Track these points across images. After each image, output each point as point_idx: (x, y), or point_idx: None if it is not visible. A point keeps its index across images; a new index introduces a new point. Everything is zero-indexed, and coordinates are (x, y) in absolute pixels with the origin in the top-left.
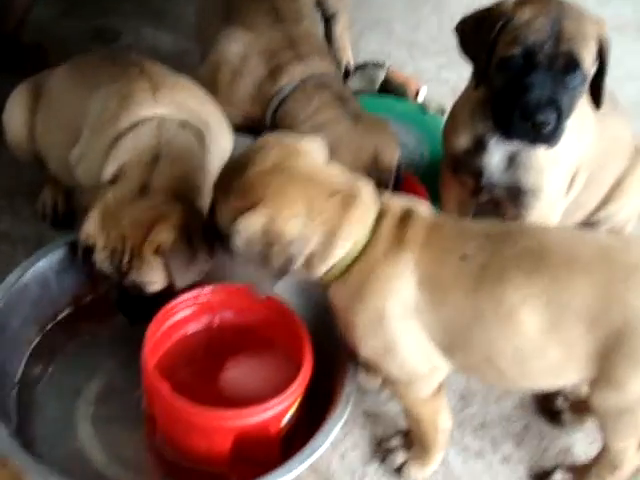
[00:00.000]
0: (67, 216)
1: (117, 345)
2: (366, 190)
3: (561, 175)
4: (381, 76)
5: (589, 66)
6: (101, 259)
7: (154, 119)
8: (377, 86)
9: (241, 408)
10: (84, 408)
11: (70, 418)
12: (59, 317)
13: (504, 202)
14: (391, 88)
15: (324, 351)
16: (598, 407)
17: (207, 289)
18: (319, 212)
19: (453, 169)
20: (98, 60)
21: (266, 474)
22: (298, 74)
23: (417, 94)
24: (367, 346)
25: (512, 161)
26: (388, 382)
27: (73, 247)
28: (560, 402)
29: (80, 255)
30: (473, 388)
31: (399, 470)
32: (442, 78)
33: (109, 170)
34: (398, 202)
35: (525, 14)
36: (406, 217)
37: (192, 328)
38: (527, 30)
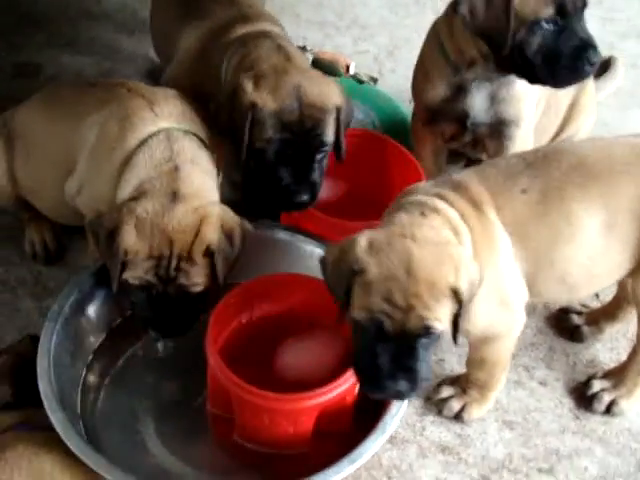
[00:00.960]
0: (58, 251)
1: (156, 362)
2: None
3: (533, 102)
4: (309, 59)
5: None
6: (145, 269)
7: (160, 132)
8: None
9: (322, 386)
10: (146, 429)
11: (134, 414)
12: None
13: (486, 139)
14: (322, 68)
15: None
16: None
17: (245, 284)
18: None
19: (429, 120)
20: (72, 89)
21: (358, 445)
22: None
23: (348, 69)
24: (483, 313)
25: (493, 98)
26: (482, 343)
27: (99, 274)
28: (576, 318)
29: (115, 275)
30: None
31: (457, 416)
32: (361, 50)
33: (126, 190)
34: (443, 189)
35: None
36: (459, 189)
37: (234, 326)
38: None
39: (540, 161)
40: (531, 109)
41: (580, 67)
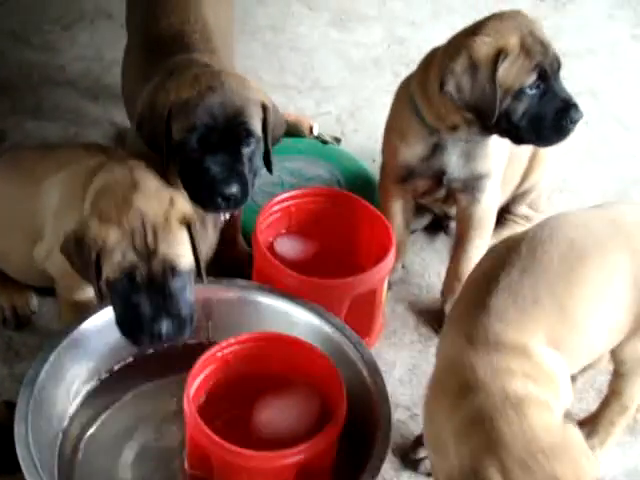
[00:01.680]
0: (28, 316)
1: (156, 409)
2: None
3: (504, 155)
4: None
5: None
6: (122, 252)
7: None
8: None
9: (303, 443)
10: (124, 470)
11: (111, 478)
12: (102, 376)
13: (458, 192)
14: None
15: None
16: (631, 355)
17: (220, 345)
18: None
19: (403, 179)
20: (32, 153)
21: None
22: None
23: (311, 130)
24: None
25: (469, 155)
26: None
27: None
28: None
29: (93, 280)
30: None
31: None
32: (323, 111)
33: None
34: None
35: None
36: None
37: (211, 385)
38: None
39: (529, 261)
40: (502, 162)
41: (564, 126)
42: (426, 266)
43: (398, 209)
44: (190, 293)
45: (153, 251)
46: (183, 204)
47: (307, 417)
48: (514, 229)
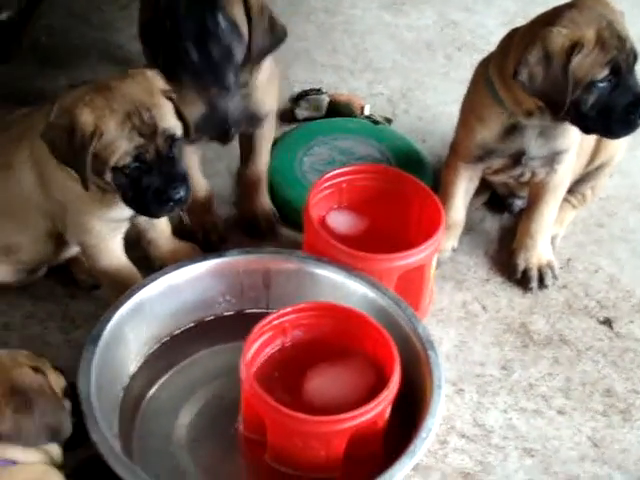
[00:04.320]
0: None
1: (214, 373)
2: None
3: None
4: (325, 100)
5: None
6: (127, 138)
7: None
8: (324, 111)
9: (355, 409)
10: (181, 430)
11: (168, 437)
12: (163, 340)
13: (535, 167)
14: (338, 110)
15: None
16: None
17: (279, 312)
18: None
19: (479, 158)
20: None
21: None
22: None
23: (362, 110)
24: None
25: (548, 134)
26: None
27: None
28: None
29: (84, 171)
30: (508, 356)
31: None
32: (376, 92)
33: None
34: None
35: None
36: None
37: (268, 353)
38: None
39: None
40: (578, 135)
41: (632, 120)
42: (475, 246)
43: (461, 190)
44: (182, 157)
45: (155, 128)
46: (157, 80)
47: (359, 387)
48: (566, 208)
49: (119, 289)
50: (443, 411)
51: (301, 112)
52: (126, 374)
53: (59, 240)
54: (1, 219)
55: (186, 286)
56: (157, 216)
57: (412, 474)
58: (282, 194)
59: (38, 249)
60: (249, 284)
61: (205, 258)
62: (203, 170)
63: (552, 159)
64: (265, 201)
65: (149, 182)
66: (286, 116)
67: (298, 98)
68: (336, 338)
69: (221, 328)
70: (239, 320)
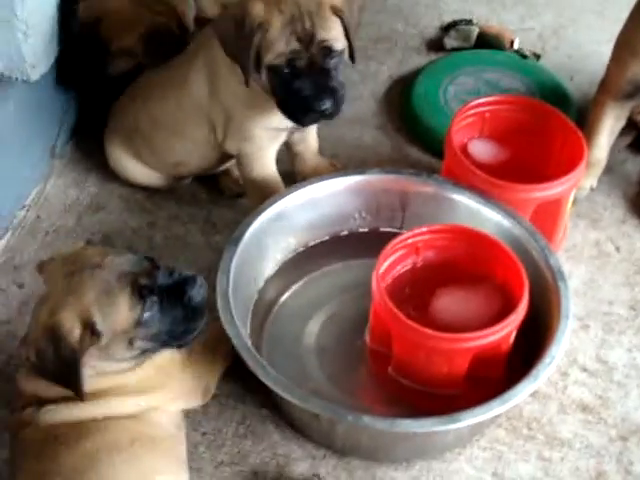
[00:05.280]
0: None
1: (345, 286)
2: None
3: None
4: (475, 32)
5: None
6: (286, 40)
7: None
8: (473, 42)
9: (480, 329)
10: (310, 337)
11: (297, 341)
12: (298, 250)
13: None
14: (486, 41)
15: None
16: None
17: (413, 232)
18: None
19: (628, 95)
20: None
21: (509, 389)
22: None
23: (512, 44)
24: None
25: None
26: None
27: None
28: None
29: (248, 63)
30: (638, 297)
31: None
32: (527, 27)
33: None
34: None
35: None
36: None
37: (399, 270)
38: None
39: None
40: None
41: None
42: (614, 187)
43: (607, 127)
44: (341, 73)
45: (312, 37)
46: None
47: (487, 311)
48: None
49: (263, 198)
50: (567, 344)
51: (450, 42)
52: (262, 278)
53: (222, 155)
54: (174, 138)
55: (325, 199)
56: (302, 123)
57: (530, 400)
58: (425, 121)
59: (203, 163)
60: (386, 203)
61: (345, 174)
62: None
63: None
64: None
65: (298, 88)
66: (434, 45)
67: (447, 28)
68: (468, 262)
69: (355, 243)
70: (373, 237)
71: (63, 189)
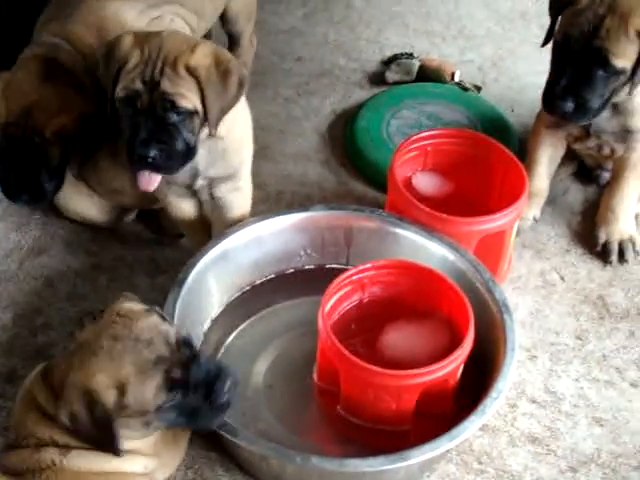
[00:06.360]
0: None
1: (292, 324)
2: None
3: None
4: (416, 65)
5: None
6: (133, 76)
7: None
8: (414, 75)
9: (428, 365)
10: (257, 377)
11: (245, 382)
12: (244, 289)
13: (612, 142)
14: (428, 75)
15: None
16: None
17: (358, 268)
18: None
19: (555, 124)
20: None
21: (457, 425)
22: None
23: (453, 76)
24: None
25: (615, 108)
26: None
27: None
28: None
29: (110, 91)
30: (584, 327)
31: None
32: (467, 59)
33: None
34: None
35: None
36: None
37: (345, 307)
38: None
39: None
40: None
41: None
42: (557, 216)
43: (545, 156)
44: (190, 133)
45: (156, 85)
46: (204, 56)
47: (434, 346)
48: None
49: (193, 241)
50: (515, 376)
51: (391, 75)
52: (208, 319)
53: None
54: (111, 164)
55: (269, 238)
56: (131, 165)
57: (480, 434)
58: (369, 155)
59: (138, 194)
60: (331, 239)
61: (290, 212)
62: (291, 129)
63: (625, 136)
64: None
65: (133, 126)
66: (376, 78)
67: (389, 61)
68: (413, 297)
69: (301, 281)
70: (319, 274)
71: (4, 233)
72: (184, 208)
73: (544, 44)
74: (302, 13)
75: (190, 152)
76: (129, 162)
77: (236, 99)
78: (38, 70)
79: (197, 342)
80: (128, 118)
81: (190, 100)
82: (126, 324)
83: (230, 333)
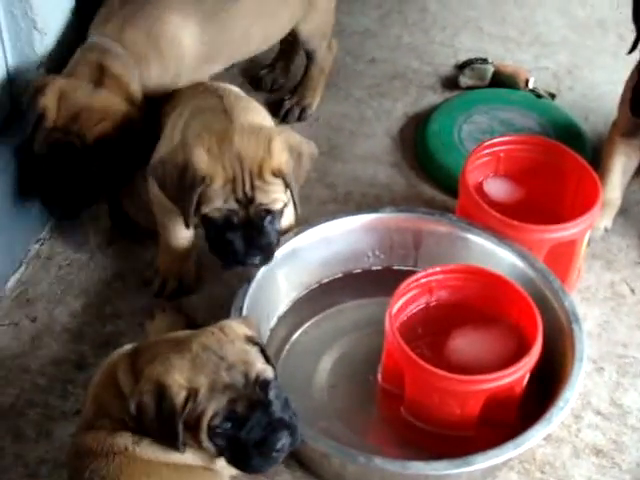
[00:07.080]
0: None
1: (357, 324)
2: None
3: None
4: (490, 70)
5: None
6: (224, 197)
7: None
8: (488, 80)
9: (494, 371)
10: (321, 374)
11: (309, 379)
12: (311, 287)
13: None
14: (501, 80)
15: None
16: None
17: (427, 271)
18: None
19: (632, 134)
20: None
21: (522, 433)
22: None
23: (527, 83)
24: None
25: None
26: None
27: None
28: None
29: (190, 210)
30: None
31: None
32: (541, 66)
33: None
34: None
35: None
36: None
37: (412, 309)
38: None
39: None
40: None
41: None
42: (629, 227)
43: (619, 165)
44: (278, 223)
45: (251, 199)
46: (281, 152)
47: (500, 353)
48: None
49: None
50: (581, 387)
51: (465, 80)
52: (274, 315)
53: None
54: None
55: (338, 237)
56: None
57: (543, 444)
58: (440, 159)
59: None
60: (399, 242)
61: (359, 213)
62: (362, 130)
63: None
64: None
65: (230, 240)
66: (449, 83)
67: (463, 66)
68: (481, 302)
69: (368, 281)
70: (386, 275)
71: (77, 222)
72: (180, 235)
73: (630, 51)
74: (377, 15)
75: (278, 239)
76: (222, 260)
77: (308, 172)
78: (91, 77)
79: (264, 338)
80: (220, 232)
81: (282, 199)
82: (220, 340)
83: (296, 331)
